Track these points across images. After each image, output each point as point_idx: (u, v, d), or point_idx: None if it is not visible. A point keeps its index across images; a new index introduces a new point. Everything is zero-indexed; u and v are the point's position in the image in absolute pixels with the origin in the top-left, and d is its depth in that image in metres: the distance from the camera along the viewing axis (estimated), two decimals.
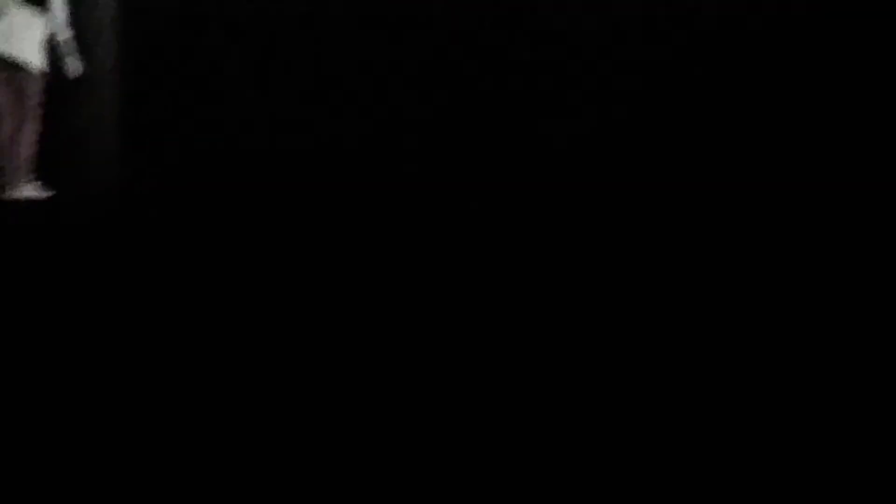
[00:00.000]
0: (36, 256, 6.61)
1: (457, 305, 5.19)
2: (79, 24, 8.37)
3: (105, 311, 5.34)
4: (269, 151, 8.98)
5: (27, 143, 8.06)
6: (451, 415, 3.97)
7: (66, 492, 3.49)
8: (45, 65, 8.10)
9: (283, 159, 8.95)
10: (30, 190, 8.08)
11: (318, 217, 7.55)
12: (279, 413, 4.05)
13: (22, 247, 6.85)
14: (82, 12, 8.48)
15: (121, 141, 8.61)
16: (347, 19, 9.10)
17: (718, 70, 8.98)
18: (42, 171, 8.23)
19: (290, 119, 9.11)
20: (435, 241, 6.72)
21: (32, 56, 8.03)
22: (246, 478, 3.54)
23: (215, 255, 6.43)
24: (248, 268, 6.03)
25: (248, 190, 8.50)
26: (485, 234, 6.92)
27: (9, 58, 7.99)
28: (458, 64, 9.10)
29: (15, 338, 4.94)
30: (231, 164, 8.91)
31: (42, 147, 8.18)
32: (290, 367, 4.49)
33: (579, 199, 8.25)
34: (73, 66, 8.25)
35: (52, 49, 8.18)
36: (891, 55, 8.86)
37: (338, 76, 9.11)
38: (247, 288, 5.58)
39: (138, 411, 4.09)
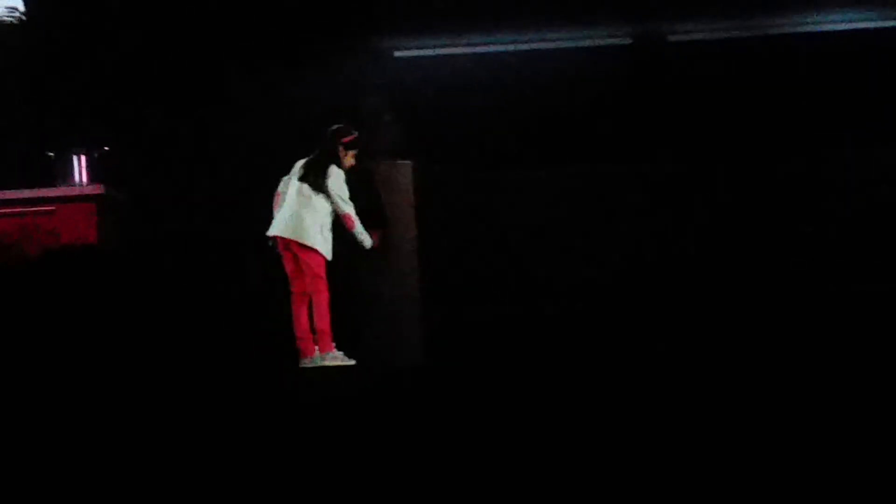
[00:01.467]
0: (341, 422, 6.72)
1: None
2: (376, 202, 8.65)
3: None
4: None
5: (323, 315, 8.32)
6: None
7: None
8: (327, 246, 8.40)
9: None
10: (334, 359, 8.29)
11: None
12: None
13: (329, 414, 6.99)
14: (383, 191, 8.76)
15: (422, 311, 8.75)
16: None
17: None
18: (349, 341, 8.45)
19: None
20: None
21: (315, 240, 8.34)
22: None
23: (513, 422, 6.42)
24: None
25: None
26: None
27: (299, 241, 8.33)
28: None
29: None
30: (522, 334, 8.94)
31: (348, 317, 8.43)
32: None
33: None
34: (365, 241, 8.46)
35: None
36: None
37: None
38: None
39: None
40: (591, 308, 9.10)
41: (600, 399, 6.98)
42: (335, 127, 8.55)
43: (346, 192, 8.46)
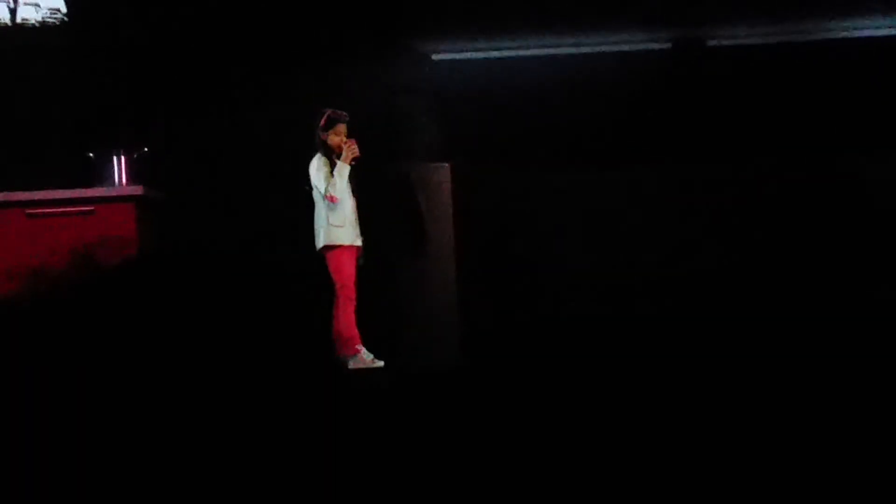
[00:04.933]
0: (375, 419, 6.72)
1: None
2: (414, 204, 8.63)
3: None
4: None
5: (351, 321, 8.29)
6: None
7: None
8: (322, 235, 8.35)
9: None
10: (363, 362, 8.22)
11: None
12: None
13: (363, 410, 7.00)
14: (420, 198, 8.76)
15: (461, 313, 8.76)
16: None
17: None
18: (386, 342, 8.42)
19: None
20: None
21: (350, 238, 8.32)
22: None
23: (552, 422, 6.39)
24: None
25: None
26: None
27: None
28: None
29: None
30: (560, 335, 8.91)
31: (385, 318, 8.42)
32: None
33: None
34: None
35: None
36: None
37: None
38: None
39: None
40: (631, 310, 9.07)
41: (640, 404, 6.93)
42: None
43: (319, 178, 8.29)
